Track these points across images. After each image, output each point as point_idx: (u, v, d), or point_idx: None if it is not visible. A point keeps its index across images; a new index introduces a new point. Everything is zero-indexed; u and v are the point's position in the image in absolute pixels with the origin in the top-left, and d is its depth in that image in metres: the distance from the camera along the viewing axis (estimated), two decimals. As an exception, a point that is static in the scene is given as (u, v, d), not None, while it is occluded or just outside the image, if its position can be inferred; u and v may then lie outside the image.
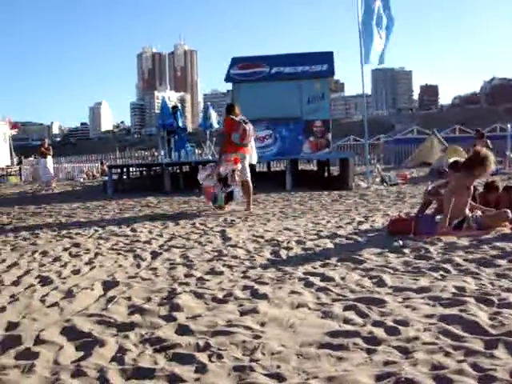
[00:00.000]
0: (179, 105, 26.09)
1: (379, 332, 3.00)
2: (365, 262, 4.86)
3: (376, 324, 3.14)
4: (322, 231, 6.81)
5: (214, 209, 9.65)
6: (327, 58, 16.75)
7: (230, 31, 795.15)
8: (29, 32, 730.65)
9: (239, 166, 9.49)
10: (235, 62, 17.15)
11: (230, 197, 9.53)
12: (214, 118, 22.86)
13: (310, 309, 3.51)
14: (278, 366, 2.60)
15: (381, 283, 4.06)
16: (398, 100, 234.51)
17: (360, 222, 7.50)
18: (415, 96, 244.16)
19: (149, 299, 3.87)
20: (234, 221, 8.13)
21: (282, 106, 15.50)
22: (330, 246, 5.83)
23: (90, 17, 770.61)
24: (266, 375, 2.52)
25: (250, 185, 9.64)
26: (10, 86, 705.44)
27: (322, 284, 4.12)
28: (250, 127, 9.53)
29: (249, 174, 9.68)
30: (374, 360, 2.62)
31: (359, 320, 3.23)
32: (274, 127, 15.81)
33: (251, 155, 9.96)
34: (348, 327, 3.13)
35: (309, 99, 15.72)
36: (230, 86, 17.09)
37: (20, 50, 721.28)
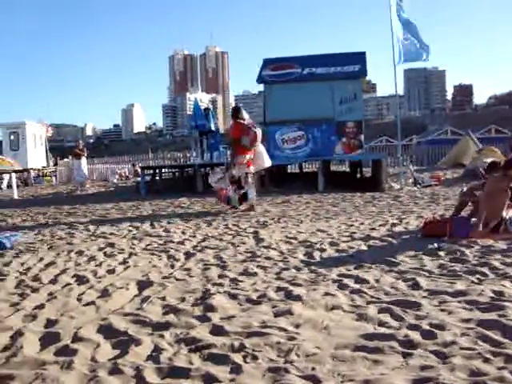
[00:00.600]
0: (211, 106, 26.19)
1: (415, 336, 2.97)
2: (399, 264, 4.82)
3: (411, 327, 3.11)
4: (355, 233, 6.77)
5: (229, 209, 9.95)
6: (360, 58, 16.61)
7: (262, 32, 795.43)
8: (61, 35, 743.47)
9: (251, 168, 9.85)
10: (267, 63, 17.13)
11: (244, 197, 9.85)
12: (246, 119, 22.90)
13: (344, 311, 3.50)
14: (313, 368, 2.60)
15: (416, 286, 4.02)
16: (431, 100, 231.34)
17: (393, 224, 7.43)
18: (449, 96, 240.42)
19: (183, 299, 3.91)
20: (266, 222, 8.14)
21: (315, 106, 15.43)
22: (364, 247, 5.79)
23: (122, 20, 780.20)
24: (300, 377, 2.52)
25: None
26: (45, 89, 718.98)
27: (356, 286, 4.10)
28: (259, 131, 9.80)
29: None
30: (411, 364, 2.60)
31: (394, 323, 3.21)
32: (306, 128, 15.75)
33: (263, 158, 10.19)
34: (383, 330, 3.11)
35: (341, 100, 15.61)
36: (261, 87, 17.09)
37: (56, 54, 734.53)
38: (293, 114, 15.46)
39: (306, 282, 4.32)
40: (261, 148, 10.17)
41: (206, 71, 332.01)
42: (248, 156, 9.76)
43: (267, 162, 10.51)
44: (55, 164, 31.69)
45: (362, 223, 7.68)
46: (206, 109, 20.12)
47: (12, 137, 29.12)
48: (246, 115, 10.01)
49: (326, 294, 3.92)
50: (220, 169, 10.41)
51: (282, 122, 15.84)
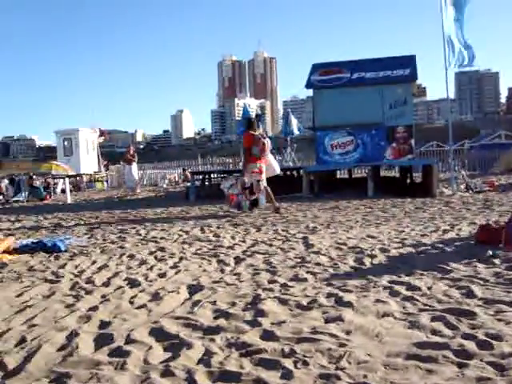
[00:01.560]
0: (260, 112, 26.31)
1: (470, 345, 2.89)
2: (452, 271, 4.71)
3: (466, 337, 3.03)
4: (406, 239, 6.67)
5: (239, 214, 10.51)
6: (409, 61, 16.38)
7: (310, 37, 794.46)
8: (110, 44, 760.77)
9: (263, 176, 10.53)
10: (316, 68, 17.09)
11: (255, 203, 10.76)
12: (295, 124, 22.93)
13: (395, 318, 3.45)
14: (365, 376, 2.57)
15: (470, 294, 3.92)
16: (483, 104, 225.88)
17: (445, 231, 7.28)
18: (502, 99, 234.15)
19: (233, 304, 3.93)
20: (316, 228, 8.10)
21: (364, 111, 15.29)
22: (415, 254, 5.69)
23: (171, 27, 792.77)
24: (352, 384, 2.49)
25: (269, 189, 10.62)
26: (97, 96, 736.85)
27: (408, 293, 4.04)
28: (268, 141, 10.71)
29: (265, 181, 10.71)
30: (466, 375, 2.53)
31: (448, 332, 3.14)
32: (355, 133, 15.62)
33: (271, 166, 11.07)
34: (436, 339, 3.04)
35: (391, 104, 15.42)
36: (310, 92, 17.05)
37: (107, 62, 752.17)
38: (342, 119, 15.36)
39: (357, 288, 4.28)
40: (269, 157, 11.06)
41: (254, 77, 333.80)
42: (259, 164, 10.45)
43: (277, 170, 11.60)
44: (106, 169, 32.42)
45: (412, 229, 7.56)
46: (257, 115, 20.20)
47: (66, 143, 30.00)
48: (255, 127, 11.00)
49: (377, 300, 3.87)
50: (233, 176, 11.18)
51: (331, 127, 15.75)
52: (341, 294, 4.10)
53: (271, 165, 11.06)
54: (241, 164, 19.64)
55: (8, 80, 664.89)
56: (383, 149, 15.49)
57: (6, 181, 23.46)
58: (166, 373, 2.72)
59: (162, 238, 7.64)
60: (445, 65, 14.41)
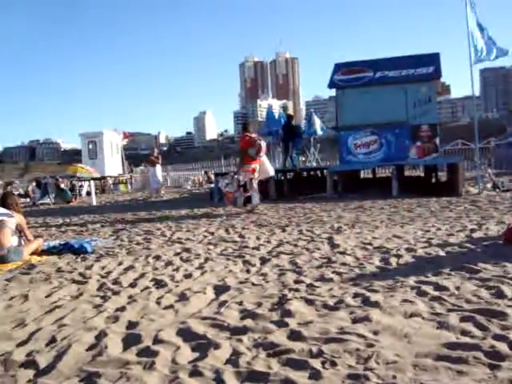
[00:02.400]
0: (281, 111, 26.31)
1: (502, 347, 2.85)
2: (481, 271, 4.65)
3: (498, 338, 2.99)
4: (432, 239, 6.60)
5: (236, 209, 11.42)
6: (433, 59, 16.21)
7: (332, 37, 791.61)
8: (136, 46, 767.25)
9: (256, 175, 11.28)
10: (338, 67, 17.01)
11: (248, 200, 11.38)
12: (318, 124, 22.85)
13: (423, 318, 3.42)
14: (394, 377, 2.55)
15: (500, 294, 3.86)
16: (509, 100, 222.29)
17: (473, 230, 7.19)
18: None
19: (260, 304, 3.93)
20: (341, 228, 8.07)
21: (388, 110, 15.18)
22: (442, 254, 5.63)
23: (193, 29, 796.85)
24: (381, 385, 2.48)
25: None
26: (120, 99, 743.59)
27: (436, 293, 3.99)
28: (263, 144, 11.34)
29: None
30: (499, 377, 2.49)
31: (478, 333, 3.10)
32: (379, 132, 15.52)
33: (265, 166, 11.66)
34: (466, 340, 3.01)
35: (415, 103, 15.28)
36: (332, 92, 16.97)
37: (131, 65, 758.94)
38: (365, 119, 15.28)
39: (383, 288, 4.25)
40: (264, 158, 11.58)
41: (277, 77, 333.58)
42: (253, 165, 11.20)
43: (271, 171, 12.28)
44: (130, 171, 32.69)
45: (438, 229, 7.48)
46: (291, 116, 20.15)
47: (90, 146, 30.30)
48: (251, 129, 11.92)
49: (405, 300, 3.84)
50: (229, 175, 11.92)
51: (355, 126, 15.67)
52: (367, 294, 4.07)
53: (265, 166, 11.68)
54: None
55: (34, 84, 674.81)
56: (407, 148, 15.35)
57: (33, 184, 23.81)
58: (195, 373, 2.74)
59: (187, 239, 7.67)
60: (469, 61, 14.23)
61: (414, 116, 15.15)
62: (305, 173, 20.31)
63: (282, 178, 18.32)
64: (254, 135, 11.51)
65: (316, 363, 2.77)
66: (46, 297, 4.56)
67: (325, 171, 16.97)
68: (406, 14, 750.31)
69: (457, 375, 2.55)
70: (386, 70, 16.17)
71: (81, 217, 12.63)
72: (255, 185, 11.20)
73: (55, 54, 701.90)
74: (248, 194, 11.30)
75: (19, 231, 6.99)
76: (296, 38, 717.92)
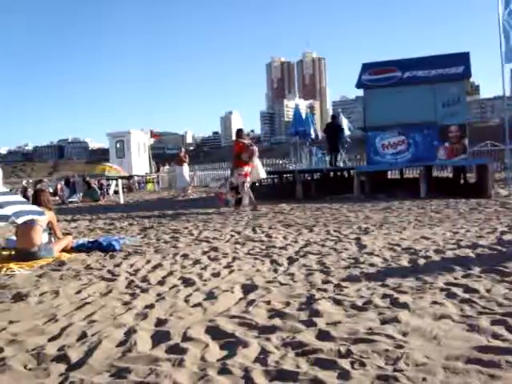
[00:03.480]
0: (308, 111, 26.22)
1: (536, 351, 2.80)
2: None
3: (531, 341, 2.94)
4: (461, 240, 6.52)
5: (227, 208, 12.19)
6: (463, 59, 15.99)
7: (359, 37, 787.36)
8: (163, 46, 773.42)
9: (248, 179, 12.03)
10: (366, 67, 16.91)
11: (239, 201, 12.18)
12: (345, 124, 22.72)
13: (453, 321, 3.38)
14: (424, 379, 2.53)
15: (532, 298, 3.80)
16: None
17: (503, 232, 7.08)
18: None
19: (288, 304, 3.93)
20: (368, 228, 8.02)
21: (416, 110, 15.04)
22: (472, 256, 5.56)
23: (220, 29, 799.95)
24: (411, 386, 2.45)
25: (250, 192, 12.17)
26: (148, 99, 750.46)
27: (466, 296, 3.95)
28: (255, 149, 12.26)
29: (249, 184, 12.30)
30: (533, 381, 2.45)
31: (510, 336, 3.05)
32: (407, 133, 15.38)
33: (257, 170, 12.50)
34: (498, 343, 2.97)
35: (444, 103, 15.11)
36: (360, 92, 16.89)
37: (158, 65, 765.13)
38: (393, 119, 15.16)
39: (412, 289, 4.22)
40: (257, 162, 12.42)
41: (303, 77, 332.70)
42: (246, 168, 11.99)
43: (262, 174, 13.25)
44: (157, 170, 32.90)
45: (468, 230, 7.39)
46: (334, 116, 20.16)
47: (118, 145, 30.57)
48: (244, 135, 12.89)
49: (434, 302, 3.80)
50: (224, 177, 13.22)
51: (383, 127, 15.56)
52: (396, 295, 4.05)
53: (257, 169, 12.48)
54: (292, 164, 19.72)
55: (63, 84, 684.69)
56: (436, 148, 15.19)
57: (61, 182, 24.14)
58: (223, 370, 2.75)
59: (214, 238, 7.71)
60: (501, 60, 14.03)
61: (443, 116, 14.99)
62: (332, 173, 20.24)
63: (309, 178, 18.30)
64: (246, 141, 12.51)
65: (345, 363, 2.76)
66: (75, 293, 4.63)
67: (352, 171, 16.87)
68: (434, 14, 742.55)
69: (489, 379, 2.51)
70: (414, 69, 16.02)
71: (108, 215, 12.77)
72: (246, 188, 11.97)
73: (84, 54, 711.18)
74: (239, 196, 12.17)
75: (49, 228, 7.11)
76: (323, 37, 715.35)
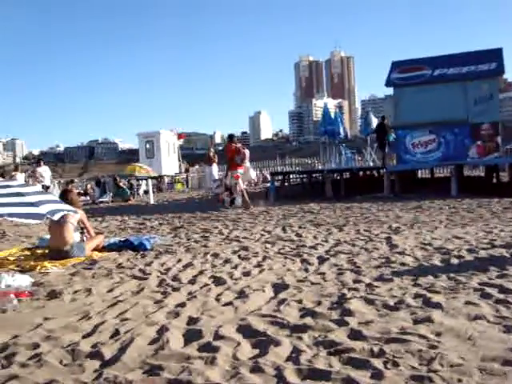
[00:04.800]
0: (337, 111, 26.08)
1: None
2: (548, 274, 4.48)
3: None
4: (495, 240, 6.41)
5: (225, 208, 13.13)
6: (495, 55, 15.74)
7: (387, 35, 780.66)
8: (191, 46, 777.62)
9: (240, 180, 13.28)
10: (396, 65, 16.77)
11: (233, 202, 13.37)
12: (375, 123, 22.54)
13: (489, 321, 3.32)
14: (460, 380, 2.49)
15: None
16: None
17: (539, 232, 6.94)
18: None
19: (319, 303, 3.92)
20: (399, 228, 7.94)
21: (447, 108, 14.86)
22: (507, 255, 5.45)
23: (248, 29, 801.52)
24: (447, 387, 2.42)
25: (245, 192, 13.38)
26: (177, 100, 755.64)
27: (501, 296, 3.88)
28: (247, 152, 13.65)
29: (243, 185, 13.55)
30: None
31: (548, 337, 2.99)
32: (437, 131, 15.21)
33: (248, 172, 14.20)
34: (536, 345, 2.90)
35: (475, 101, 14.89)
36: (389, 90, 16.79)
37: (187, 65, 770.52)
38: (424, 117, 15.01)
39: (445, 289, 4.16)
40: (248, 164, 13.93)
41: (332, 76, 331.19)
42: (239, 170, 13.31)
43: (253, 175, 15.36)
44: (186, 171, 33.07)
45: (501, 230, 7.26)
46: (384, 117, 20.08)
47: (147, 145, 30.78)
48: (235, 140, 14.14)
49: (468, 302, 3.74)
50: (219, 179, 14.89)
51: (413, 125, 15.41)
52: (429, 294, 3.99)
53: (248, 172, 14.03)
54: (322, 164, 19.65)
55: (93, 85, 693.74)
56: (467, 147, 14.99)
57: (92, 182, 24.46)
58: (255, 369, 2.75)
59: (244, 238, 7.72)
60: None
61: (475, 114, 14.78)
62: (361, 172, 20.11)
63: (338, 177, 18.20)
64: (238, 145, 13.75)
65: (378, 363, 2.74)
66: (108, 291, 4.68)
67: (381, 171, 16.74)
68: (465, 9, 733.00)
69: (527, 381, 2.46)
70: (445, 67, 15.85)
71: (139, 215, 12.88)
72: (238, 188, 13.20)
73: (115, 57, 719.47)
74: (233, 196, 13.37)
75: (81, 228, 7.20)
76: (352, 36, 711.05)
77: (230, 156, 13.30)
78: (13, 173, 20.03)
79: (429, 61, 16.54)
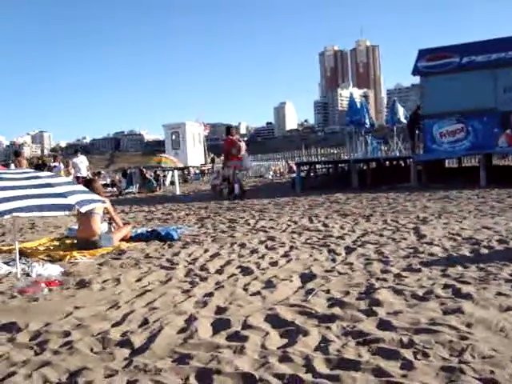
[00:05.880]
0: (363, 100, 25.86)
1: None
2: None
3: None
4: (527, 231, 6.30)
5: (223, 198, 13.75)
6: (525, 41, 15.39)
7: (414, 23, 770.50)
8: (217, 39, 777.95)
9: (237, 170, 14.06)
10: (422, 53, 16.51)
11: (232, 190, 13.88)
12: (401, 113, 22.33)
13: (521, 313, 3.26)
14: (492, 372, 2.45)
15: None
16: None
17: None
18: None
19: (347, 293, 3.89)
20: (426, 218, 7.86)
21: (475, 97, 14.60)
22: (538, 246, 5.36)
23: (273, 20, 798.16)
24: (479, 379, 2.38)
25: (240, 181, 14.62)
26: (202, 91, 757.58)
27: (533, 287, 3.81)
28: (243, 144, 14.16)
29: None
30: None
31: None
32: (465, 120, 14.95)
33: (245, 161, 14.66)
34: None
35: (505, 88, 14.59)
36: (415, 79, 16.53)
37: (212, 57, 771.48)
38: (451, 106, 14.77)
39: (475, 280, 4.10)
40: (244, 154, 14.22)
41: (357, 66, 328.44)
42: (235, 161, 13.94)
43: (248, 165, 16.68)
44: (212, 161, 33.16)
45: (533, 220, 7.13)
46: (419, 106, 19.89)
47: (173, 136, 30.95)
48: (234, 132, 14.64)
49: (499, 293, 3.68)
50: (216, 170, 15.26)
51: (440, 114, 15.19)
52: (458, 285, 3.94)
53: (245, 161, 14.55)
54: (347, 154, 19.51)
55: (118, 77, 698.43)
56: (496, 136, 14.71)
57: (119, 174, 24.67)
58: (284, 358, 2.74)
59: (270, 228, 7.72)
60: None
61: (505, 102, 14.49)
62: (388, 162, 19.93)
63: (364, 167, 18.07)
64: (235, 137, 14.31)
65: (407, 353, 2.71)
66: (136, 281, 4.72)
67: (408, 160, 16.56)
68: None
69: (561, 375, 2.41)
70: (473, 54, 15.53)
71: (165, 205, 12.96)
72: (236, 178, 13.94)
73: (141, 49, 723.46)
74: (231, 186, 13.96)
75: (109, 218, 7.25)
76: (377, 25, 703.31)
77: (227, 148, 14.08)
78: (52, 163, 20.31)
79: (457, 48, 16.24)
